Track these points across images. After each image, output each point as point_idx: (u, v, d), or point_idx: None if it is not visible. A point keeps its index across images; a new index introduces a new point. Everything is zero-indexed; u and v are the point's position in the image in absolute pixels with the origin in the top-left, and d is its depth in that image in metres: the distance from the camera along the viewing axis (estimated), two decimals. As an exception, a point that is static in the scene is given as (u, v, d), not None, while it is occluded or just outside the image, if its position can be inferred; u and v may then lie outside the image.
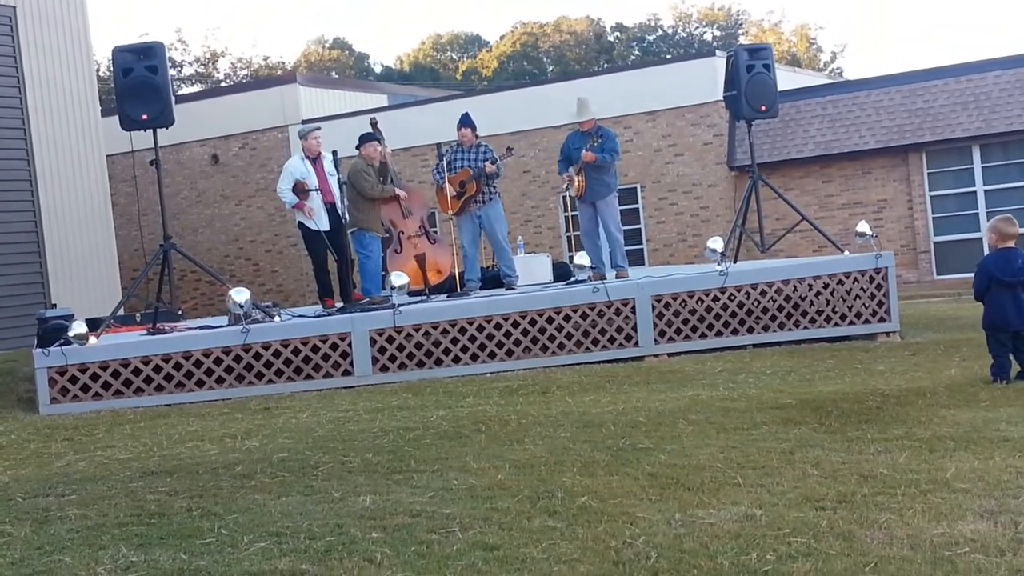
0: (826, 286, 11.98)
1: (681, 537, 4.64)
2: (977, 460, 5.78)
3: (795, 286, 11.92)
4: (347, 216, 12.68)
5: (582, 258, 12.48)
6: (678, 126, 23.90)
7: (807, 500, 5.14)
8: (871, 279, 11.98)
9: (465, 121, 13.21)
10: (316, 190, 12.32)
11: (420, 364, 11.18)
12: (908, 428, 6.77)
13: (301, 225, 12.55)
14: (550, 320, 11.43)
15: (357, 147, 13.09)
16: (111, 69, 13.96)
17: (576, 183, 12.85)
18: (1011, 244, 8.54)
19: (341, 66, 59.66)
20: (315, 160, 12.50)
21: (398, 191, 13.11)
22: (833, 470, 5.73)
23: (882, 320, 11.98)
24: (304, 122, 24.55)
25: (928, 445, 6.22)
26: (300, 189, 12.30)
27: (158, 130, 12.04)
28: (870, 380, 8.94)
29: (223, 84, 50.92)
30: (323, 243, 12.43)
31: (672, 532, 4.74)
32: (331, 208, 12.50)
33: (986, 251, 22.18)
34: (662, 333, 11.56)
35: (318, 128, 12.88)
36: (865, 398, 7.95)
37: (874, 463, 5.85)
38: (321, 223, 12.37)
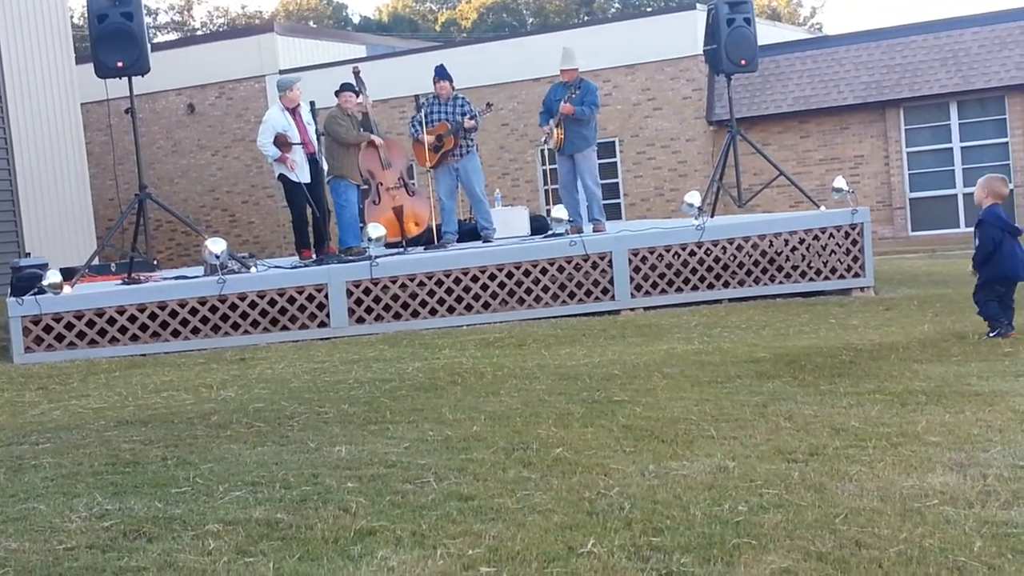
0: (802, 241, 12.01)
1: (655, 488, 4.68)
2: (948, 414, 5.83)
3: (771, 241, 11.95)
4: (326, 165, 12.63)
5: (559, 211, 12.46)
6: (657, 80, 23.83)
7: (779, 452, 5.18)
8: (846, 235, 12.03)
9: (441, 73, 13.12)
10: (300, 143, 12.22)
11: (397, 316, 11.18)
12: (880, 382, 6.82)
13: (282, 177, 12.44)
14: (527, 273, 11.44)
15: (337, 93, 13.03)
16: (86, 15, 13.79)
17: (555, 135, 12.81)
18: (999, 203, 8.58)
19: (319, 16, 59.12)
20: (293, 111, 12.39)
21: (374, 137, 13.03)
22: (805, 423, 5.78)
23: (857, 276, 12.05)
24: (282, 72, 24.40)
25: (899, 399, 6.28)
26: (282, 142, 12.18)
27: (133, 78, 11.92)
28: (844, 335, 9.00)
29: (199, 32, 50.39)
30: (304, 195, 12.36)
31: (646, 483, 4.77)
32: (312, 159, 12.42)
33: (962, 208, 22.24)
34: (638, 287, 11.59)
35: (300, 79, 12.77)
36: (838, 352, 8.01)
37: (846, 416, 5.90)
38: (302, 175, 12.29)
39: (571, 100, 12.63)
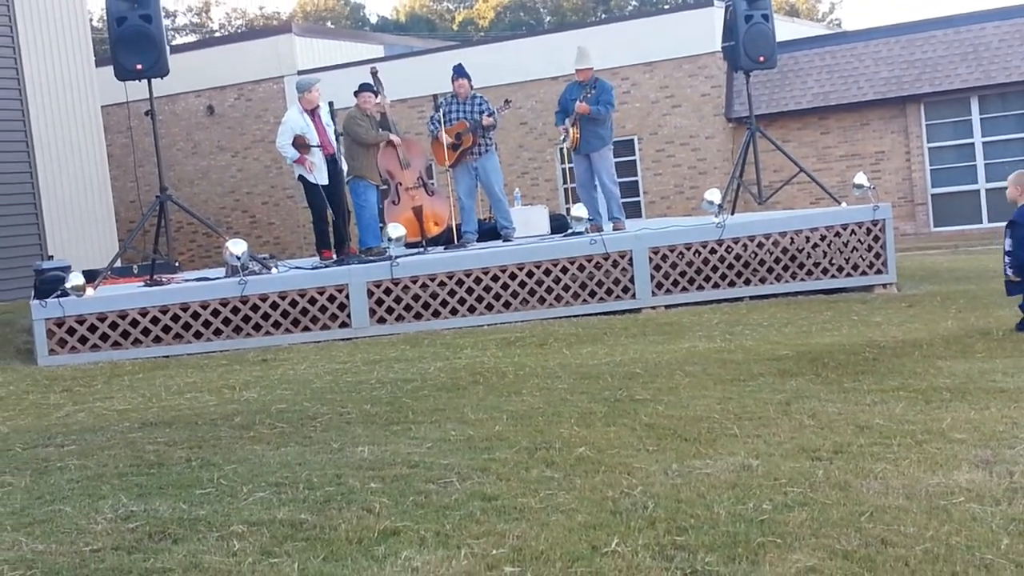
0: (823, 238, 11.97)
1: (678, 487, 4.67)
2: (973, 411, 5.80)
3: (792, 238, 11.91)
4: (345, 165, 12.66)
5: (579, 210, 12.44)
6: (676, 77, 23.78)
7: (803, 450, 5.17)
8: (868, 231, 11.97)
9: (460, 72, 13.13)
10: (318, 146, 12.24)
11: (417, 316, 11.19)
12: (904, 379, 6.79)
13: (302, 178, 12.48)
14: (547, 272, 11.43)
15: (356, 93, 13.06)
16: (105, 19, 13.85)
17: (571, 135, 12.80)
18: None
19: (336, 16, 59.23)
20: (312, 112, 12.41)
21: (392, 136, 13.04)
22: (829, 421, 5.76)
23: (879, 272, 11.99)
24: (300, 73, 24.45)
25: (924, 396, 6.25)
26: (301, 144, 12.21)
27: (153, 80, 11.96)
28: (867, 332, 8.96)
29: (217, 34, 50.57)
30: (323, 196, 12.39)
31: (669, 482, 4.76)
32: (331, 160, 12.44)
33: (984, 203, 22.07)
34: (659, 285, 11.57)
35: (319, 80, 12.79)
36: (861, 349, 7.98)
37: (870, 414, 5.87)
38: (320, 177, 12.31)
39: (587, 99, 12.61)
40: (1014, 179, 8.51)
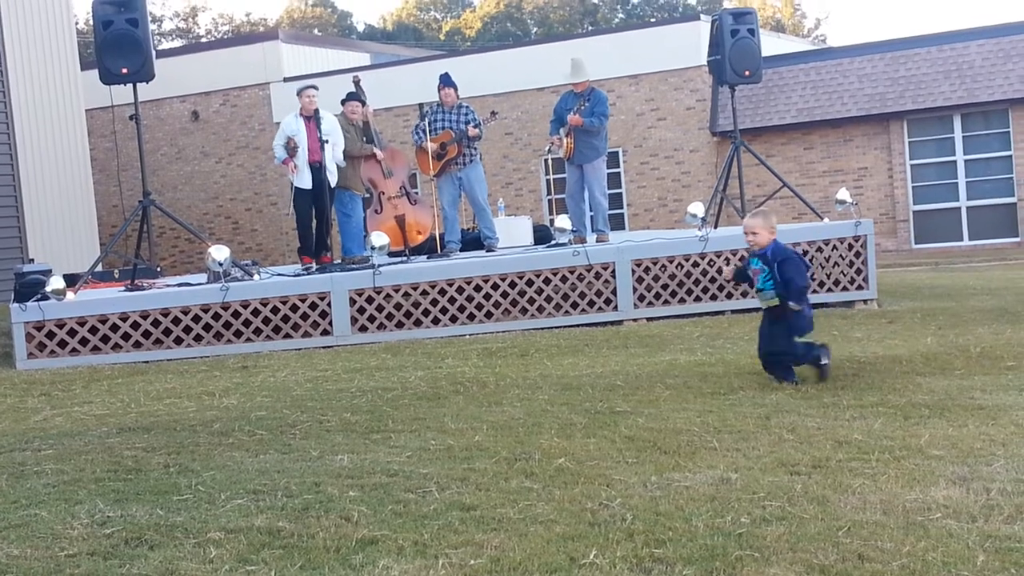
0: (805, 253, 11.99)
1: (657, 500, 4.67)
2: (951, 427, 5.82)
3: (775, 252, 11.92)
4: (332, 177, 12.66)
5: (563, 221, 12.46)
6: (661, 90, 23.85)
7: (782, 465, 5.17)
8: (850, 247, 12.02)
9: (446, 81, 13.15)
10: (297, 147, 12.23)
11: (399, 325, 11.18)
12: (883, 395, 6.81)
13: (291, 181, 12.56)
14: (530, 283, 11.43)
15: (343, 102, 13.06)
16: (91, 22, 13.82)
17: (565, 144, 12.81)
18: None
19: (324, 24, 59.19)
20: (309, 119, 12.39)
21: (375, 149, 13.04)
22: (808, 435, 5.77)
23: (860, 288, 12.04)
24: (286, 80, 24.46)
25: (903, 412, 6.27)
26: (290, 147, 12.25)
27: (138, 85, 11.93)
28: (847, 347, 8.98)
29: (204, 40, 50.49)
30: (305, 201, 12.38)
31: (648, 495, 4.76)
32: (318, 168, 12.41)
33: (965, 221, 22.08)
34: (641, 298, 11.59)
35: (311, 86, 12.74)
36: (841, 365, 7.99)
37: (849, 429, 5.88)
38: (302, 181, 12.30)
39: (581, 111, 12.62)
40: (759, 225, 7.50)
